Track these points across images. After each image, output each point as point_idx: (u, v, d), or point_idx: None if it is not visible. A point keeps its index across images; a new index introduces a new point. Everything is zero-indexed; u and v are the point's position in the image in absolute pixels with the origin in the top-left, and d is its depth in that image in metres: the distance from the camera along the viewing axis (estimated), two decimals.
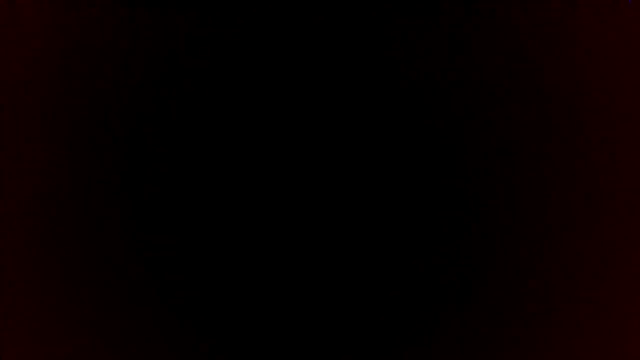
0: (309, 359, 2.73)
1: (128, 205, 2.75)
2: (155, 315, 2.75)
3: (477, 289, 2.75)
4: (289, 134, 2.79)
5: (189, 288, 2.75)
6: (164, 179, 2.78)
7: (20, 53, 2.81)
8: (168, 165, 2.79)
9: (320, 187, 2.78)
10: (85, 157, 2.79)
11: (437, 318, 2.74)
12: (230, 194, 2.78)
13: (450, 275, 2.75)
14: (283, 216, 2.76)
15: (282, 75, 2.80)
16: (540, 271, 2.75)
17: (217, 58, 2.80)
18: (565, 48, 2.81)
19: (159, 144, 2.79)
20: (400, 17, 2.81)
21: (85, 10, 2.82)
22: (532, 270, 2.75)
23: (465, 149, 2.78)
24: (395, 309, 2.75)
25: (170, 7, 2.81)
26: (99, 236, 2.76)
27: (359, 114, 2.80)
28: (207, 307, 2.76)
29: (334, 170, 2.79)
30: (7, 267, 2.75)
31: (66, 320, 2.76)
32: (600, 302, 2.76)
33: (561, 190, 2.78)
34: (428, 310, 2.75)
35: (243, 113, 2.80)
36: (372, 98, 2.80)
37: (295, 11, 2.78)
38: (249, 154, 2.79)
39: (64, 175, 2.78)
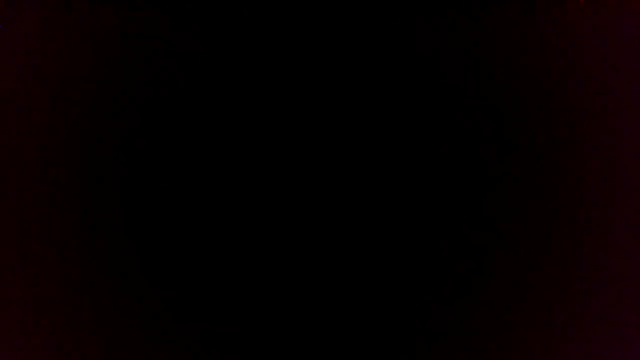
0: (309, 359, 2.73)
1: (128, 206, 2.76)
2: (154, 315, 2.75)
3: (476, 289, 2.75)
4: (290, 134, 2.80)
5: (188, 288, 2.76)
6: (163, 180, 2.79)
7: (20, 53, 2.82)
8: (167, 166, 2.79)
9: (320, 188, 2.78)
10: (84, 157, 2.79)
11: (436, 318, 2.75)
12: (229, 195, 2.79)
13: (450, 275, 2.75)
14: (283, 217, 2.77)
15: (282, 75, 2.81)
16: (540, 271, 2.76)
17: (217, 59, 2.81)
18: (566, 49, 2.81)
19: (159, 144, 2.79)
20: (400, 17, 2.81)
21: (85, 10, 2.82)
22: (531, 271, 2.76)
23: (465, 151, 2.79)
24: (394, 309, 2.76)
25: (170, 8, 2.82)
26: (98, 236, 2.76)
27: (358, 114, 2.80)
28: (207, 307, 2.76)
29: (333, 171, 2.79)
30: (6, 267, 2.76)
31: (64, 321, 2.76)
32: (601, 302, 2.76)
33: (561, 190, 2.78)
34: (427, 310, 2.75)
35: (243, 114, 2.80)
36: (370, 99, 2.80)
37: (295, 11, 2.78)
38: (248, 154, 2.80)
39: (63, 175, 2.78)
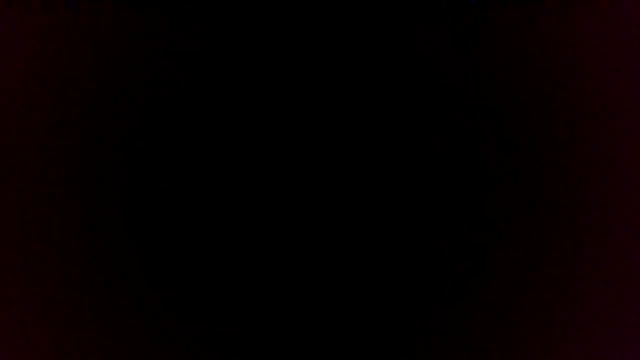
0: (309, 359, 2.73)
1: (128, 206, 2.76)
2: (154, 315, 2.75)
3: (476, 289, 2.75)
4: (289, 134, 2.80)
5: (188, 288, 2.76)
6: (163, 180, 2.79)
7: (20, 53, 2.82)
8: (167, 166, 2.79)
9: (319, 188, 2.78)
10: (84, 157, 2.79)
11: (436, 318, 2.75)
12: (229, 195, 2.78)
13: (450, 275, 2.75)
14: (282, 216, 2.77)
15: (282, 75, 2.81)
16: (540, 271, 2.76)
17: (217, 59, 2.81)
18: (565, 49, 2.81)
19: (159, 144, 2.79)
20: (401, 18, 2.81)
21: (85, 10, 2.82)
22: (531, 271, 2.76)
23: (465, 151, 2.79)
24: (394, 309, 2.76)
25: (170, 8, 2.82)
26: (98, 236, 2.76)
27: (357, 114, 2.80)
28: (207, 307, 2.76)
29: (333, 171, 2.79)
30: (5, 268, 2.76)
31: (64, 321, 2.76)
32: (601, 302, 2.76)
33: (561, 190, 2.78)
34: (427, 310, 2.75)
35: (243, 114, 2.80)
36: (370, 99, 2.80)
37: (295, 12, 2.78)
38: (248, 154, 2.80)
39: (63, 175, 2.78)
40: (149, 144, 2.79)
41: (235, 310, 2.76)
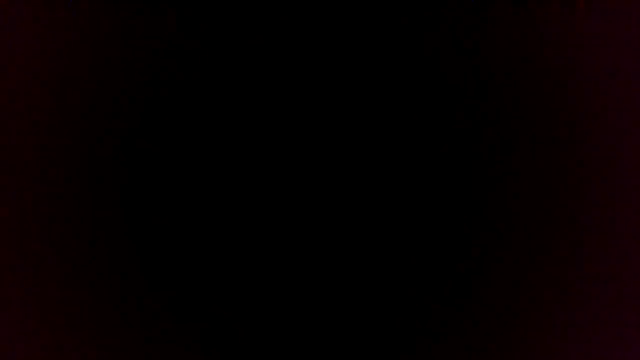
0: (309, 359, 2.74)
1: (128, 206, 2.76)
2: (154, 315, 2.76)
3: (476, 289, 2.75)
4: (290, 134, 2.80)
5: (188, 288, 2.76)
6: (163, 180, 2.79)
7: (20, 53, 2.82)
8: (167, 166, 2.79)
9: (319, 188, 2.78)
10: (84, 157, 2.79)
11: (437, 318, 2.75)
12: (229, 195, 2.79)
13: (450, 275, 2.75)
14: (283, 217, 2.77)
15: (283, 76, 2.81)
16: (540, 271, 2.76)
17: (217, 59, 2.81)
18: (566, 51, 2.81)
19: (159, 144, 2.79)
20: (401, 18, 2.81)
21: (85, 10, 2.82)
22: (531, 271, 2.76)
23: (465, 151, 2.79)
24: (395, 309, 2.76)
25: (171, 8, 2.82)
26: (98, 236, 2.76)
27: (358, 115, 2.80)
28: (207, 307, 2.76)
29: (332, 171, 2.79)
30: (5, 268, 2.76)
31: (64, 321, 2.76)
32: (601, 302, 2.76)
33: (561, 190, 2.78)
34: (427, 310, 2.76)
35: (243, 114, 2.80)
36: (370, 99, 2.80)
37: (296, 12, 2.78)
38: (248, 154, 2.80)
39: (63, 175, 2.78)
40: (149, 144, 2.79)
41: (235, 310, 2.77)
